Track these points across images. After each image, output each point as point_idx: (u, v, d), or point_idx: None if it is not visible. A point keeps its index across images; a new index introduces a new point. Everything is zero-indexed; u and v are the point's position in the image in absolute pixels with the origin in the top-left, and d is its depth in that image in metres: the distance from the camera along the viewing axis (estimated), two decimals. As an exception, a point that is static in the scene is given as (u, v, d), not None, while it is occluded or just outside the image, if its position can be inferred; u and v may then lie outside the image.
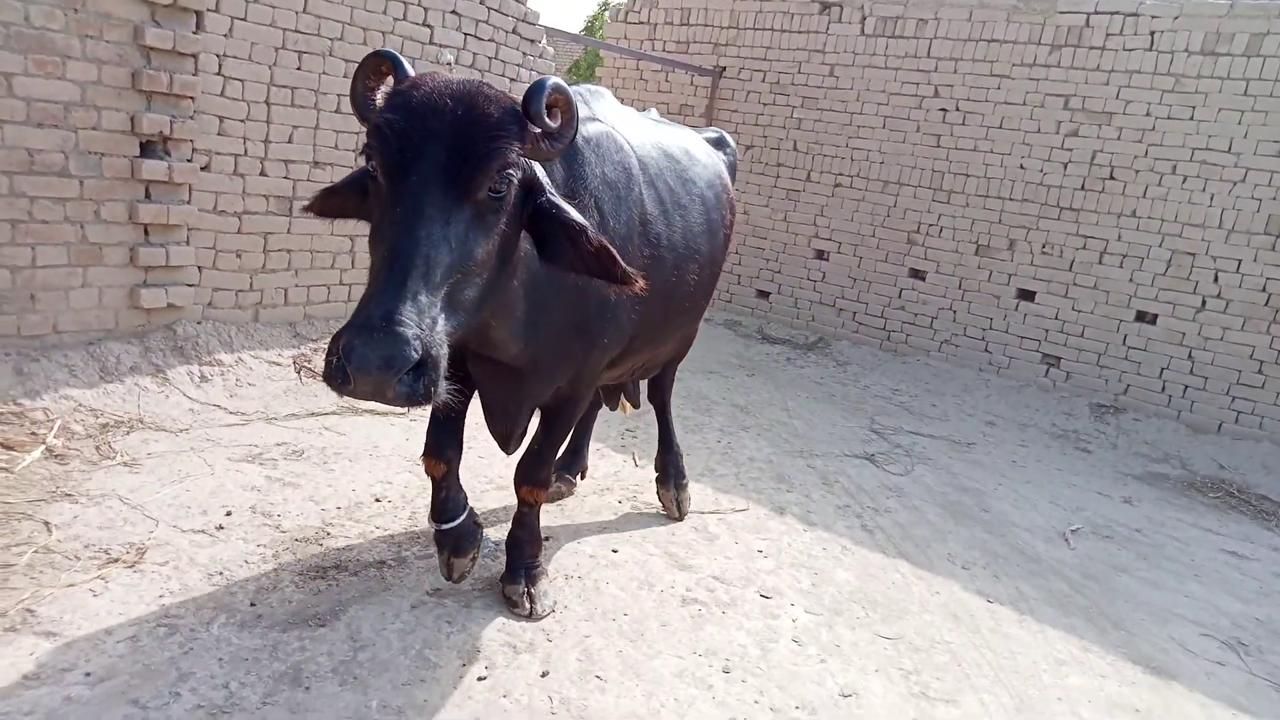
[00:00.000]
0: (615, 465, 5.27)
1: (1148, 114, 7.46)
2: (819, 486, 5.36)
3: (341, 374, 2.02)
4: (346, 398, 2.09)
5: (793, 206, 9.54)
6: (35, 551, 3.43)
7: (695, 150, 3.93)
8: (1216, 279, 7.25)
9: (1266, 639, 4.20)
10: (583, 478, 4.82)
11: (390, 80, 2.40)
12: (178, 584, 3.38)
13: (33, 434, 4.34)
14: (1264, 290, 7.06)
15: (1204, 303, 7.32)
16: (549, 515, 4.46)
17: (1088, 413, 7.66)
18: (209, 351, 5.47)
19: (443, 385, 2.13)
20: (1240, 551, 5.26)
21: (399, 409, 2.19)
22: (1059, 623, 4.07)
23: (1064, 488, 6.02)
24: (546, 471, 3.55)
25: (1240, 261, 7.15)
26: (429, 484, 4.52)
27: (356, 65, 2.40)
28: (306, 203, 2.59)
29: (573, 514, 4.52)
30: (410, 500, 4.36)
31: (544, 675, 3.16)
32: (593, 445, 5.37)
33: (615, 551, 4.17)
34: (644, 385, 4.87)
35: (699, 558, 4.22)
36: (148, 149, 5.14)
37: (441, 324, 2.16)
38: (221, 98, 5.43)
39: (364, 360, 1.99)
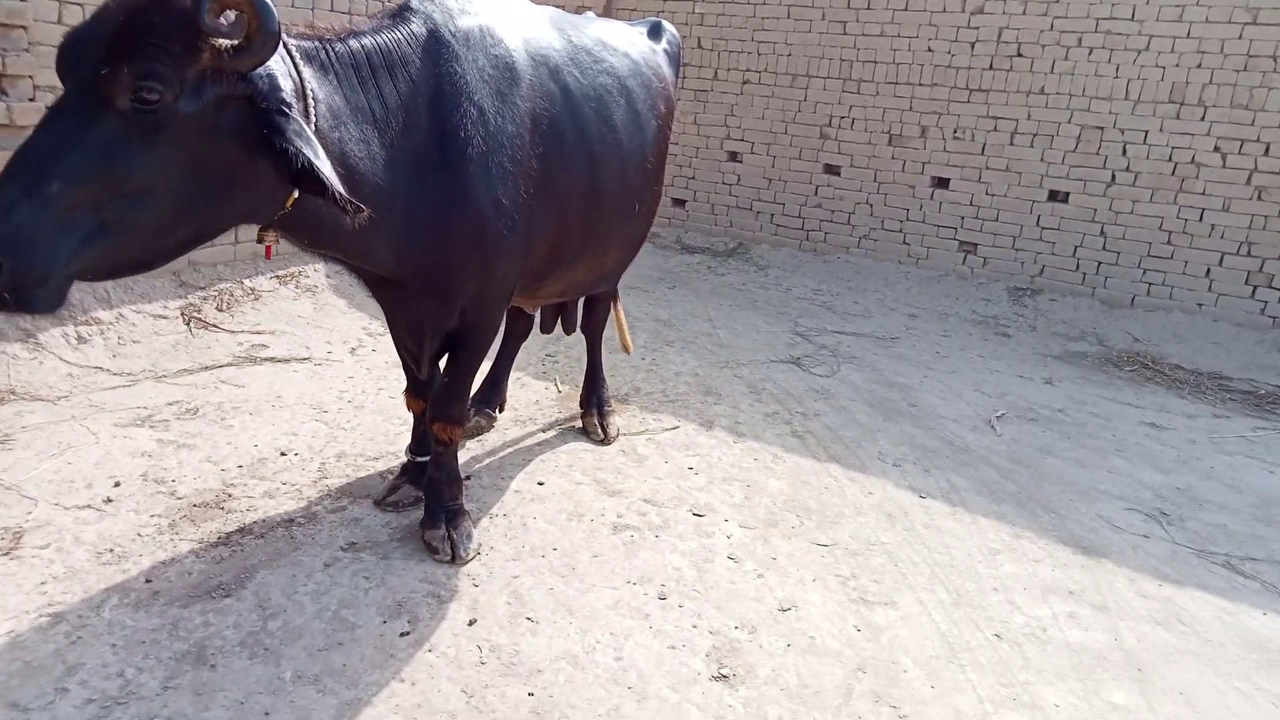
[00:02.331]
0: (536, 394, 5.07)
1: (1052, -14, 7.32)
2: (747, 396, 5.25)
3: None
4: None
5: (702, 108, 9.23)
6: (-106, 549, 3.11)
7: (613, 40, 3.64)
8: (1125, 152, 7.25)
9: (1186, 507, 4.28)
10: (501, 410, 4.61)
11: None
12: (61, 567, 3.11)
13: (-114, 418, 3.93)
14: (1170, 160, 7.09)
15: (1114, 177, 7.33)
16: (470, 452, 4.27)
17: (1005, 297, 7.69)
18: (84, 309, 5.02)
19: (50, 293, 1.95)
20: (1158, 422, 5.36)
21: None
22: (991, 511, 4.07)
23: (987, 374, 6.04)
24: (460, 407, 3.33)
25: (1147, 133, 7.15)
26: (337, 432, 4.32)
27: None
28: None
29: (495, 448, 4.32)
30: (319, 451, 4.11)
31: (471, 623, 3.01)
32: (514, 375, 5.16)
33: (541, 484, 4.00)
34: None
35: (628, 481, 4.09)
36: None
37: (50, 231, 1.93)
38: (60, 25, 4.86)
39: None
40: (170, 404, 4.44)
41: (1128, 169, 7.26)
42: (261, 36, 2.08)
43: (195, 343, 5.23)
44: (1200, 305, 7.10)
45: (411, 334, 3.24)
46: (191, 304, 5.57)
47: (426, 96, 2.72)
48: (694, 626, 3.08)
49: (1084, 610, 3.36)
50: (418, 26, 2.76)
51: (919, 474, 4.40)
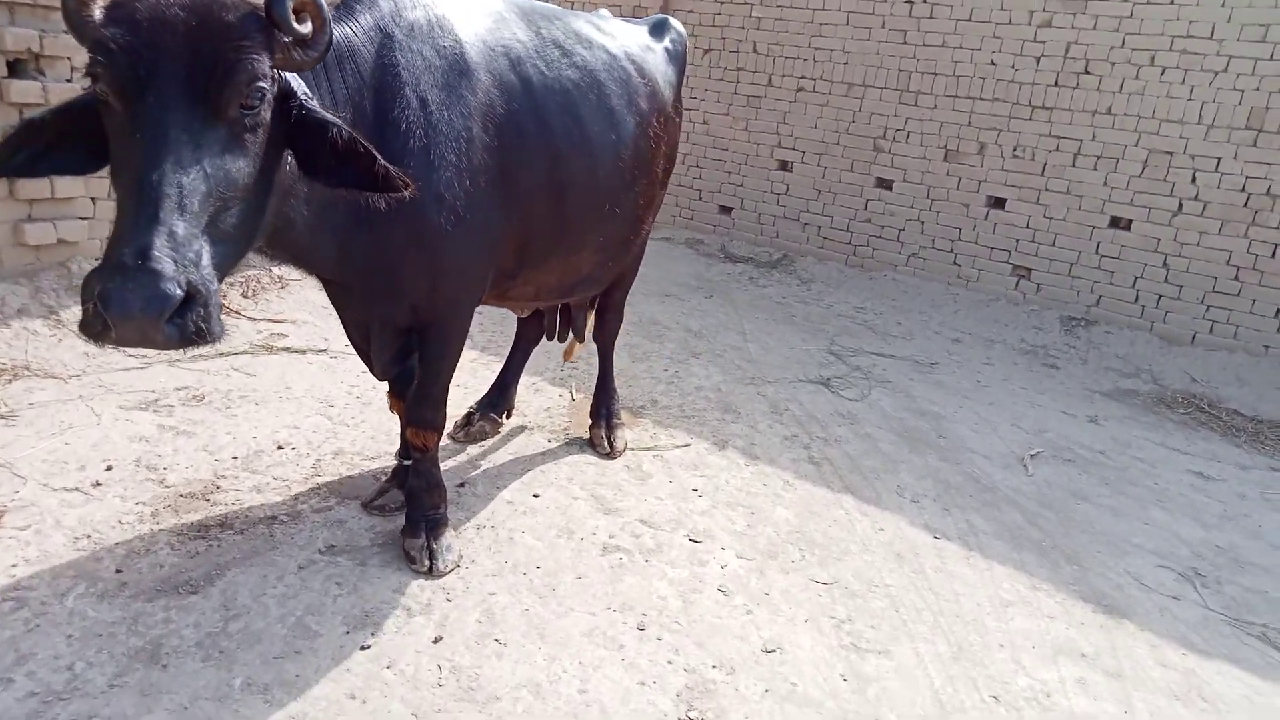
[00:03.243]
0: (549, 400, 4.95)
1: None
2: (767, 416, 5.06)
3: (101, 322, 1.77)
4: (109, 346, 1.86)
5: (754, 114, 9.03)
6: (-123, 521, 3.11)
7: (592, 35, 3.49)
8: (1194, 179, 6.85)
9: (1225, 568, 3.97)
10: (509, 416, 4.50)
11: None
12: (36, 550, 3.08)
13: (-101, 386, 3.97)
14: (1243, 190, 6.67)
15: (1180, 205, 6.93)
16: (470, 457, 4.17)
17: (1058, 326, 7.34)
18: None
19: (218, 321, 1.90)
20: (1206, 472, 5.01)
21: (175, 351, 1.93)
22: (1009, 559, 3.82)
23: (1028, 408, 5.75)
24: (432, 411, 3.22)
25: (1219, 160, 6.74)
26: (339, 428, 4.26)
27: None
28: None
29: (495, 456, 4.21)
30: (317, 447, 4.04)
31: (436, 641, 2.89)
32: (528, 379, 5.07)
33: (536, 496, 3.88)
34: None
35: (628, 500, 3.94)
36: (17, 68, 4.65)
37: (208, 256, 1.90)
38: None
39: (124, 305, 1.74)
40: (179, 389, 4.43)
41: (1196, 198, 6.86)
42: (324, 35, 2.15)
43: (215, 328, 5.23)
44: (1267, 348, 6.68)
45: (359, 333, 3.16)
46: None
47: (371, 89, 2.62)
48: (669, 662, 2.92)
49: (1095, 676, 3.12)
50: (365, 18, 2.66)
51: (937, 512, 4.17)
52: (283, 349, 5.11)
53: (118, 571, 3.03)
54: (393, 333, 3.08)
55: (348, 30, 2.58)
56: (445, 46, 2.80)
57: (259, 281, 5.79)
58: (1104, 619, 3.47)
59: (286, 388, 4.62)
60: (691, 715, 2.70)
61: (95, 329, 1.78)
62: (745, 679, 2.89)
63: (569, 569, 3.38)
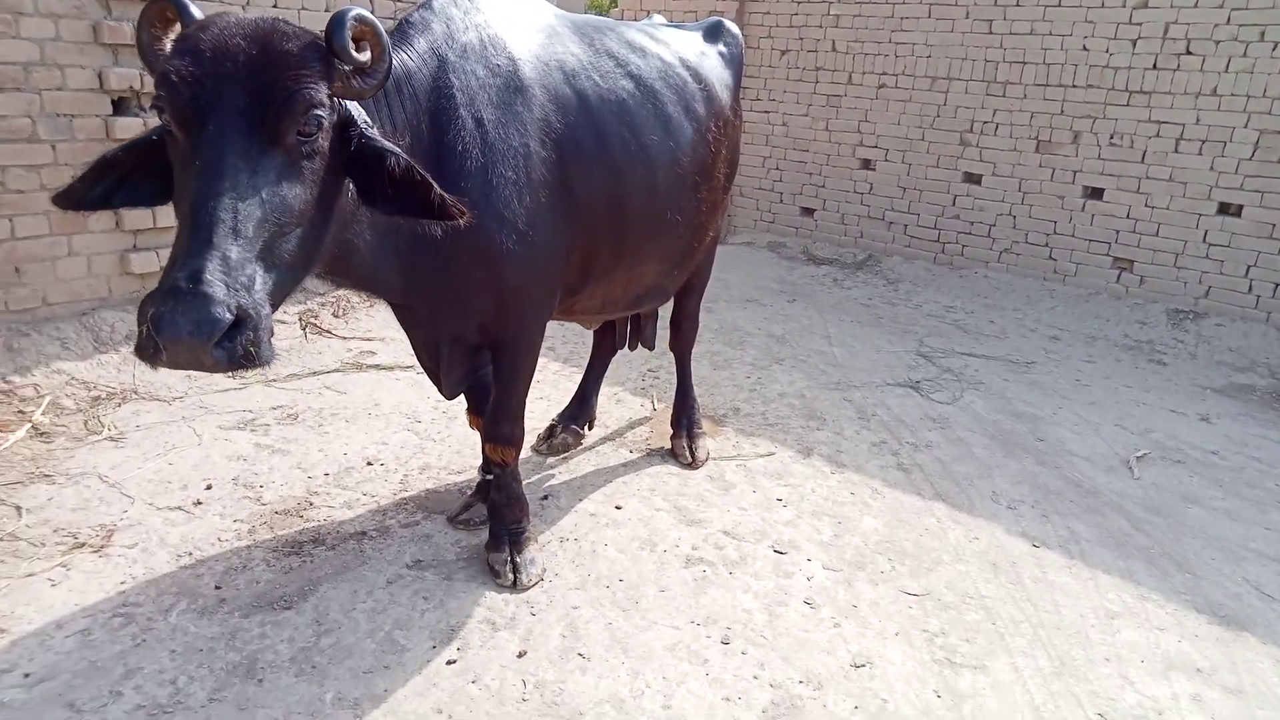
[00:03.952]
0: (631, 411, 4.95)
1: (1230, -24, 6.57)
2: (853, 422, 4.95)
3: (153, 345, 1.82)
4: (165, 369, 1.90)
5: (834, 114, 8.87)
6: (0, 540, 3.31)
7: (645, 43, 3.46)
8: (1312, 160, 6.42)
9: (1360, 575, 3.69)
10: (590, 427, 4.51)
11: (178, 27, 2.07)
12: (143, 568, 3.22)
13: (20, 412, 4.23)
14: (1368, 170, 6.23)
15: (1297, 189, 6.50)
16: (552, 470, 4.19)
17: (1164, 320, 6.97)
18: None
19: (268, 345, 1.94)
20: (1334, 471, 4.68)
21: (223, 375, 1.98)
22: (1114, 567, 3.63)
23: (1133, 407, 5.46)
24: (510, 426, 3.24)
25: (1340, 139, 6.30)
26: (426, 444, 4.34)
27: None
28: (59, 191, 2.22)
29: (577, 468, 4.23)
30: (404, 462, 4.13)
31: (521, 655, 2.91)
32: (610, 390, 5.08)
33: (619, 508, 3.87)
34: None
35: (710, 510, 3.89)
36: (120, 106, 4.91)
37: (260, 281, 1.95)
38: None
39: (173, 328, 1.79)
40: (274, 408, 4.58)
41: (1315, 179, 6.42)
42: (384, 63, 2.19)
43: (308, 348, 5.41)
44: (1400, 335, 6.20)
45: (428, 352, 3.18)
46: (310, 310, 5.78)
47: (428, 113, 2.64)
48: (755, 677, 2.87)
49: (1212, 693, 2.92)
50: (420, 43, 2.69)
51: (1036, 519, 3.99)
52: (372, 366, 5.24)
53: (217, 588, 3.14)
54: (462, 352, 3.11)
55: (404, 56, 2.62)
56: (499, 65, 2.82)
57: (349, 301, 5.97)
58: (1221, 631, 3.26)
59: (375, 404, 4.73)
60: (778, 733, 2.64)
61: (148, 351, 1.83)
62: (833, 695, 2.81)
63: (652, 582, 3.35)
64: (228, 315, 1.81)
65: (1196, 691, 2.93)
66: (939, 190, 8.31)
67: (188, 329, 1.78)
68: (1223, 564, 3.71)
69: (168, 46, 2.01)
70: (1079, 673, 2.99)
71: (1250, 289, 6.77)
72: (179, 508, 3.63)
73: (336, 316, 5.85)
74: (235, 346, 1.85)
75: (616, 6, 10.64)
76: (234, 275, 1.86)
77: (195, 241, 1.85)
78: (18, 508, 3.52)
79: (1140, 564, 3.67)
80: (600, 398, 4.67)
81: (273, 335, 1.99)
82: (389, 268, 2.68)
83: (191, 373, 4.78)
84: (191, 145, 1.95)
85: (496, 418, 3.22)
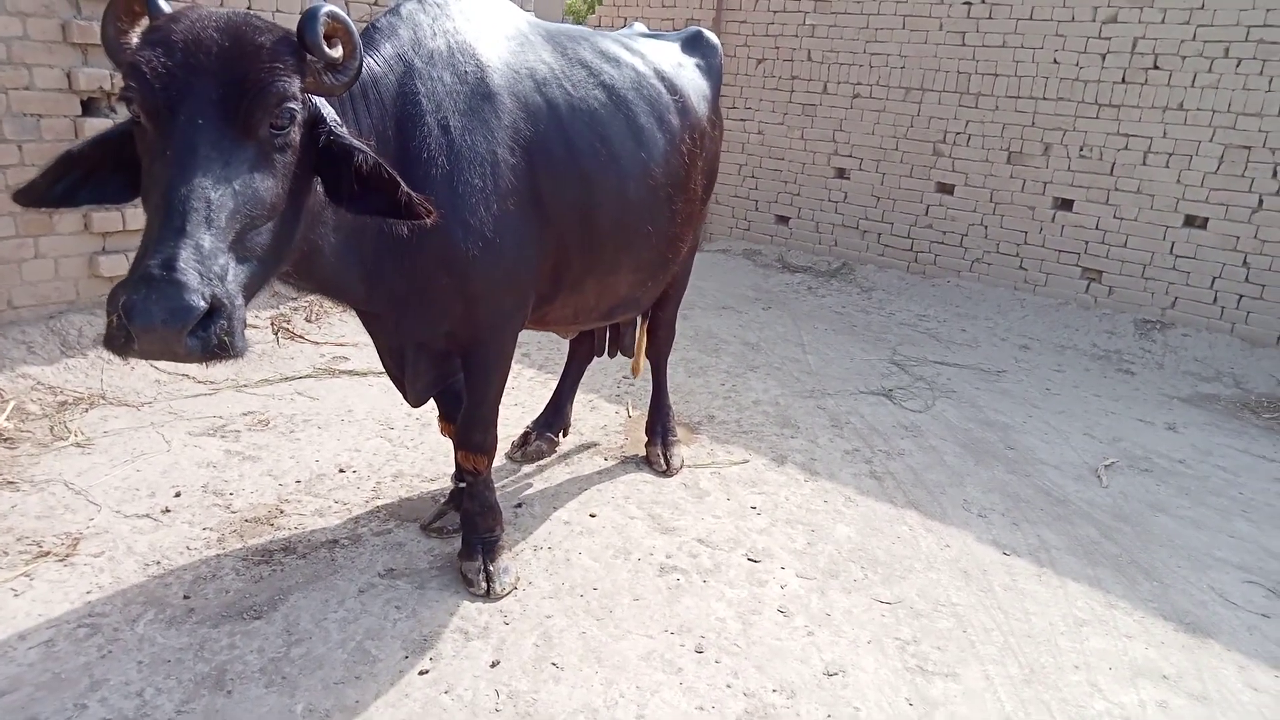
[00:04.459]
0: (606, 418, 4.94)
1: (1196, -7, 6.70)
2: (827, 430, 4.97)
3: (124, 334, 1.78)
4: (134, 359, 1.86)
5: (809, 122, 8.93)
6: (-37, 549, 3.24)
7: (619, 53, 3.45)
8: (1275, 174, 6.54)
9: (1321, 583, 3.76)
10: (565, 435, 4.50)
11: (145, 21, 2.06)
12: (109, 577, 3.17)
13: (-16, 417, 4.14)
14: (1329, 185, 6.37)
15: (1261, 202, 6.62)
16: (527, 477, 4.18)
17: (1132, 330, 7.08)
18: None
19: (242, 336, 1.91)
20: (1296, 480, 4.77)
21: (194, 365, 1.94)
22: (1083, 575, 3.68)
23: (1101, 416, 5.54)
24: (482, 433, 3.22)
25: (1302, 154, 6.44)
26: (399, 451, 4.31)
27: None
28: (20, 187, 2.17)
29: (551, 475, 4.21)
30: (377, 470, 4.10)
31: (494, 665, 2.89)
32: (586, 396, 5.07)
33: (593, 516, 3.86)
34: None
35: (685, 518, 3.90)
36: (90, 106, 4.84)
37: (233, 272, 1.92)
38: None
39: (146, 315, 1.75)
40: (245, 414, 4.53)
41: (1278, 193, 6.55)
42: (355, 60, 2.19)
43: (280, 353, 5.36)
44: (1360, 347, 6.34)
45: (393, 360, 3.16)
46: (282, 314, 5.72)
47: (394, 118, 2.64)
48: (728, 686, 2.87)
49: (1178, 700, 2.97)
50: (386, 48, 2.69)
51: (1006, 527, 4.03)
52: (345, 372, 5.20)
53: (185, 598, 3.10)
54: (428, 359, 3.09)
55: (370, 61, 2.60)
56: (467, 71, 2.81)
57: (322, 306, 5.92)
58: (1187, 638, 3.31)
59: (348, 411, 4.69)
60: (751, 742, 2.64)
61: (118, 342, 1.79)
62: (807, 703, 2.82)
63: (626, 590, 3.35)
64: (202, 303, 1.78)
65: (1163, 698, 2.97)
66: (912, 200, 8.39)
67: (161, 316, 1.75)
68: (1189, 572, 3.77)
69: (134, 40, 1.99)
70: (1049, 680, 3.02)
71: (1215, 300, 6.89)
72: (147, 515, 3.57)
73: (309, 321, 5.80)
74: (209, 336, 1.82)
75: (594, 13, 10.65)
76: (207, 264, 1.83)
77: (168, 230, 1.83)
78: (-20, 515, 3.46)
79: (1109, 572, 3.72)
80: (575, 405, 4.67)
81: (245, 327, 1.96)
82: (353, 272, 2.66)
83: (160, 378, 4.75)
84: (162, 135, 1.92)
85: (468, 425, 3.21)
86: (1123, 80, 7.11)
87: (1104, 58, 7.18)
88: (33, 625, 2.89)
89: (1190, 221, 6.97)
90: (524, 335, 4.93)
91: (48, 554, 3.26)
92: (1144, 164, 7.11)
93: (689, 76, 3.81)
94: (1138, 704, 2.93)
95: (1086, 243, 7.47)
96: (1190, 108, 6.84)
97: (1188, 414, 5.71)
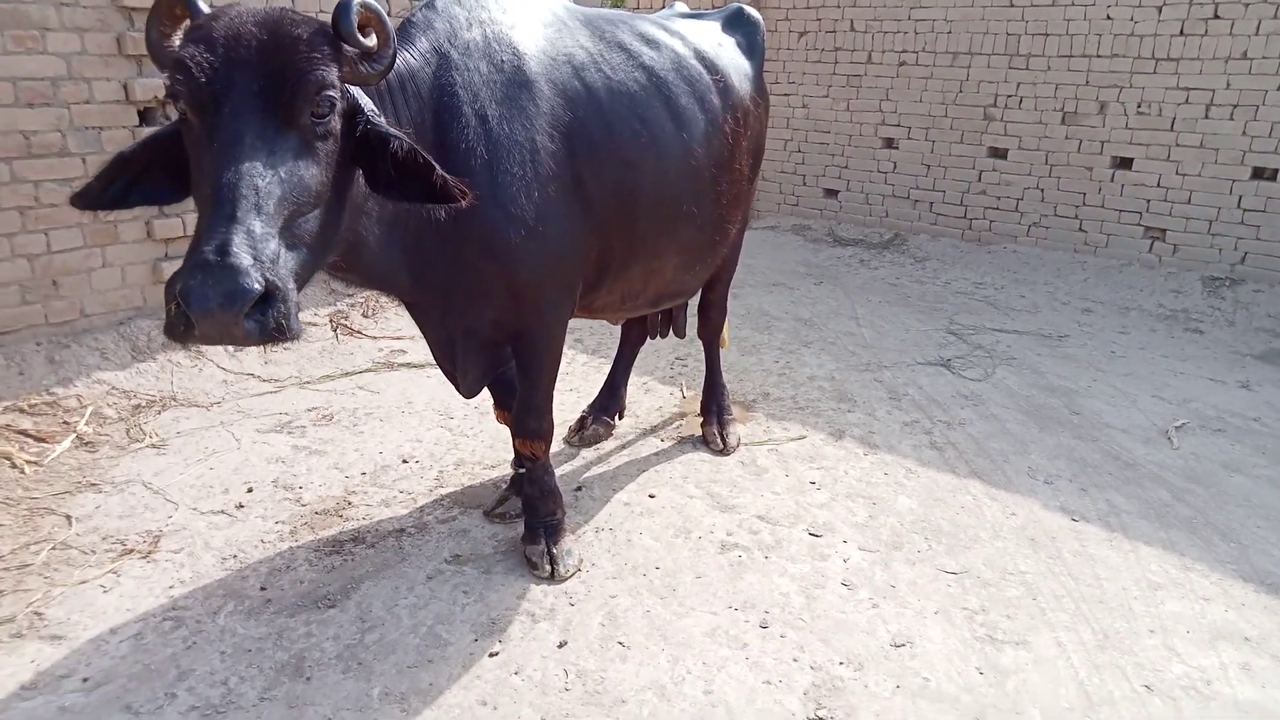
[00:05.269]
0: (660, 399, 4.96)
1: (1257, -66, 6.43)
2: (885, 402, 4.92)
3: (183, 320, 1.84)
4: (196, 347, 1.92)
5: (855, 93, 8.80)
6: (53, 548, 3.40)
7: (657, 34, 3.43)
8: (1347, 119, 6.28)
9: None
10: (621, 417, 4.53)
11: (187, 23, 2.12)
12: (190, 572, 3.29)
13: (65, 423, 4.32)
14: (1407, 126, 6.08)
15: (1333, 149, 6.37)
16: (585, 460, 4.22)
17: (1199, 288, 6.85)
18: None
19: (297, 319, 1.96)
20: (1381, 435, 4.59)
21: (253, 347, 2.00)
22: (1156, 539, 3.59)
23: (1170, 377, 5.39)
24: (537, 420, 3.26)
25: (1376, 96, 6.16)
26: (459, 439, 4.38)
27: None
28: (76, 191, 2.25)
29: (609, 458, 4.25)
30: (439, 459, 4.17)
31: (561, 645, 2.93)
32: (639, 379, 5.10)
33: (652, 497, 3.89)
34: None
35: (744, 495, 3.90)
36: (147, 116, 4.98)
37: (284, 258, 1.98)
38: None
39: (203, 300, 1.80)
40: (309, 410, 4.65)
41: (1351, 138, 6.28)
42: (389, 49, 2.24)
43: (340, 349, 5.47)
44: None
45: (442, 351, 3.18)
46: (340, 311, 5.84)
47: (431, 110, 2.66)
48: (795, 660, 2.88)
49: (1262, 661, 2.89)
50: (422, 42, 2.71)
51: (1074, 493, 3.96)
52: (403, 365, 5.30)
53: (262, 589, 3.20)
54: (477, 349, 3.11)
55: (406, 55, 2.63)
56: (503, 60, 2.82)
57: (378, 301, 6.02)
58: (1269, 599, 3.21)
59: (408, 402, 4.78)
60: (820, 714, 2.65)
61: (178, 330, 1.85)
62: (874, 675, 2.81)
63: (688, 568, 3.37)
64: (257, 285, 1.83)
65: (1245, 660, 2.90)
66: (964, 166, 8.23)
67: (218, 300, 1.79)
68: (1268, 532, 3.66)
69: (176, 42, 2.05)
70: (1123, 645, 2.96)
71: (1288, 253, 6.64)
72: (221, 511, 3.69)
73: (366, 317, 5.91)
74: (267, 319, 1.87)
75: (632, -4, 10.60)
76: (259, 249, 1.88)
77: (219, 217, 1.88)
78: (68, 516, 3.61)
79: (1182, 534, 3.63)
80: (629, 387, 4.68)
81: (299, 310, 2.00)
82: (397, 263, 2.70)
83: (227, 378, 4.88)
84: (208, 129, 1.98)
85: (523, 413, 3.24)
86: (1181, 33, 6.87)
87: (1160, 10, 6.93)
88: (122, 620, 3.01)
89: (1259, 174, 6.71)
90: (574, 321, 4.98)
91: (131, 551, 3.39)
92: (1206, 117, 6.86)
93: (729, 55, 3.78)
94: (1218, 666, 2.86)
95: (1148, 201, 7.25)
96: (1255, 56, 6.57)
97: (1262, 371, 5.52)
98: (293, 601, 3.13)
